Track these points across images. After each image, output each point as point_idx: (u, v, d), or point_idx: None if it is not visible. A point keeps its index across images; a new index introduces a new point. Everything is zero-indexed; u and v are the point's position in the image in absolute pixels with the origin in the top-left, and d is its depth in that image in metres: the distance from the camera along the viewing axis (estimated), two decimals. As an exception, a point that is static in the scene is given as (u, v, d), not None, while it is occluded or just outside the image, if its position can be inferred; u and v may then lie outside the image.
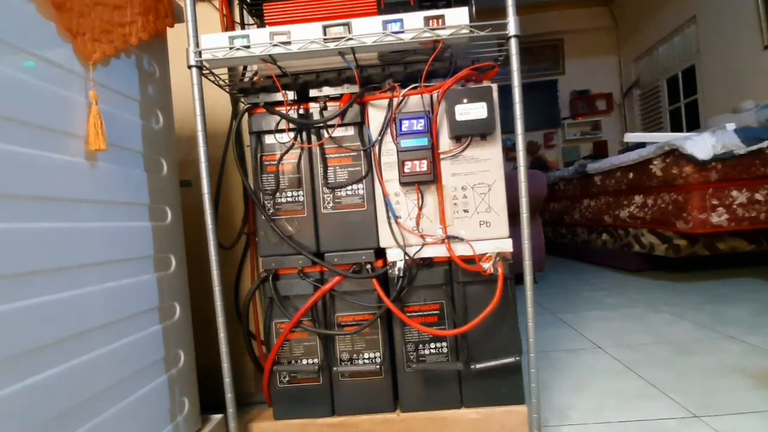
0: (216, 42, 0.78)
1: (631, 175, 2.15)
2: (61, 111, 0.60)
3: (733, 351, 1.22)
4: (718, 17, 3.29)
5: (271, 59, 0.79)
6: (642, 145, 2.17)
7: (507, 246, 0.79)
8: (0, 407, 0.46)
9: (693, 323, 1.51)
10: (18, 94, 0.53)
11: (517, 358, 0.79)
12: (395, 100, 0.81)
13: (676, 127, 4.07)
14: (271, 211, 0.85)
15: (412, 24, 0.76)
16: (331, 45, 0.76)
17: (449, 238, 0.80)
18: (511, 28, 0.76)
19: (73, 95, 0.62)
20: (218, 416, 0.88)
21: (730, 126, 1.92)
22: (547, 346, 1.41)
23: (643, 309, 1.75)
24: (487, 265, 0.77)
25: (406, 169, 0.78)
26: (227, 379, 0.81)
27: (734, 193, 1.81)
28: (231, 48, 0.77)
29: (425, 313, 0.82)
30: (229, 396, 0.82)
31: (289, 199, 0.85)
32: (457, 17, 0.77)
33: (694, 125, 3.75)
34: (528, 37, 4.57)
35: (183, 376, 0.82)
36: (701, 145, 1.76)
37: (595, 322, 1.62)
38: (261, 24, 1.03)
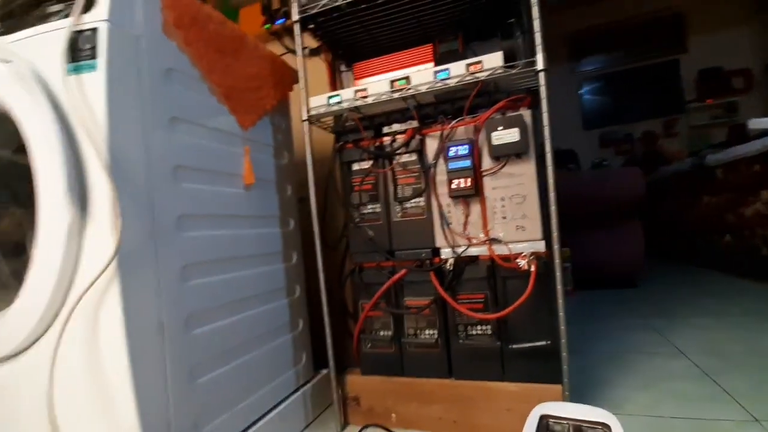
0: (319, 102, 1.11)
1: (756, 167, 1.89)
2: (230, 160, 0.99)
3: None
4: None
5: (356, 109, 1.09)
6: (775, 134, 1.89)
7: (540, 247, 0.94)
8: (202, 341, 0.84)
9: (818, 339, 1.33)
10: (205, 153, 0.92)
11: (548, 342, 0.93)
12: (445, 132, 1.03)
13: None
14: (357, 219, 1.15)
15: (457, 71, 0.98)
16: (396, 95, 1.03)
17: (490, 240, 0.98)
18: (539, 64, 0.91)
19: (236, 149, 1.01)
20: (325, 370, 1.22)
21: None
22: (625, 348, 1.42)
23: (754, 319, 1.56)
24: (522, 263, 0.93)
25: (453, 186, 1.00)
26: (329, 340, 1.13)
27: None
28: (329, 105, 1.10)
29: (473, 300, 1.01)
30: (330, 353, 1.14)
31: (369, 211, 1.13)
32: (493, 61, 0.95)
33: None
34: (638, 15, 4.08)
35: (301, 337, 1.18)
36: None
37: (688, 330, 1.53)
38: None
